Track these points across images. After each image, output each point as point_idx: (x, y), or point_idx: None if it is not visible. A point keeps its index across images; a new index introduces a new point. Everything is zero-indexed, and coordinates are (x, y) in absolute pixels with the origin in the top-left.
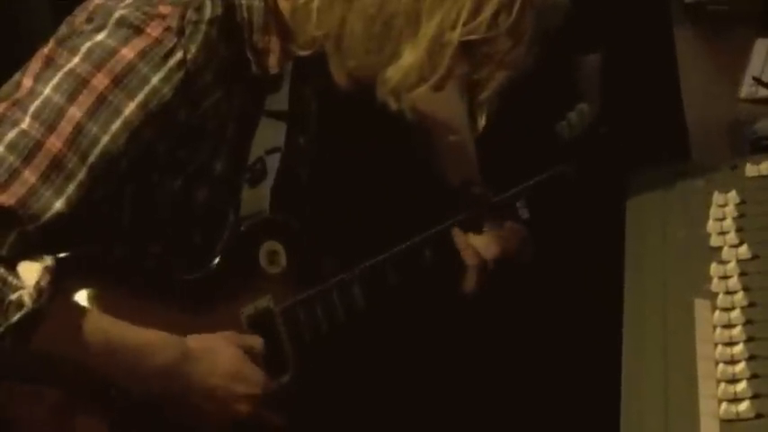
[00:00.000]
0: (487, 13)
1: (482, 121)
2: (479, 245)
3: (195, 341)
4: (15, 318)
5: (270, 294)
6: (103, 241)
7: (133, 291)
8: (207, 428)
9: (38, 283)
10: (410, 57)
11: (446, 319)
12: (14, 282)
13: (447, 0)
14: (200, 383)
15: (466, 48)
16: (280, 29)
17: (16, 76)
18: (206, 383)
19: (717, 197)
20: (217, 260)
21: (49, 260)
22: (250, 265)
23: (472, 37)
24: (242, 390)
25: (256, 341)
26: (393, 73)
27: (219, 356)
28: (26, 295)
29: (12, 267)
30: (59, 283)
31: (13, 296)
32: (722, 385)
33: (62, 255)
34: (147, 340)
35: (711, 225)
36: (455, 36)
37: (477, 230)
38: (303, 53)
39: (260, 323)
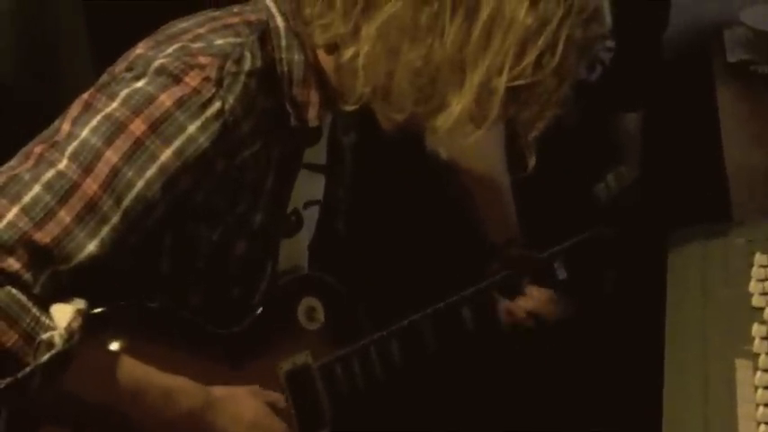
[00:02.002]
0: (532, 56)
1: (532, 162)
2: (518, 310)
3: (219, 391)
4: (45, 358)
5: (308, 350)
6: (143, 292)
7: (170, 343)
8: None
9: (69, 324)
10: (458, 105)
11: (484, 377)
12: (46, 321)
13: (491, 48)
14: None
15: (512, 91)
16: (320, 82)
17: (56, 122)
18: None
19: (759, 258)
20: (255, 315)
21: (81, 303)
22: (288, 320)
23: (519, 82)
24: None
25: (279, 398)
26: (443, 122)
27: (242, 407)
28: (57, 336)
29: (45, 307)
30: (97, 334)
31: (45, 336)
32: None
33: (99, 309)
34: (174, 385)
35: (753, 285)
36: (502, 82)
37: (516, 291)
38: (349, 108)
39: (298, 378)
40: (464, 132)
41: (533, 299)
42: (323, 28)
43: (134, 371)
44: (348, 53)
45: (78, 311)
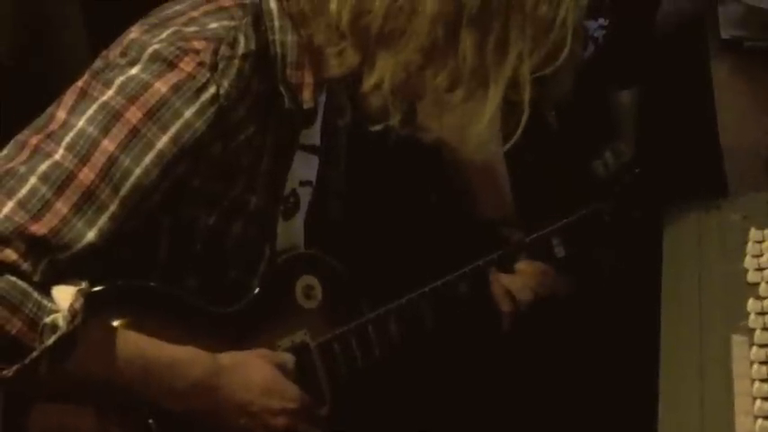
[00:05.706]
0: (549, 43)
1: (553, 119)
2: (514, 288)
3: (227, 357)
4: (50, 340)
5: (306, 329)
6: (141, 275)
7: (169, 323)
8: None
9: (72, 305)
10: (488, 108)
11: (480, 355)
12: (49, 305)
13: (510, 47)
14: (234, 398)
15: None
16: (314, 63)
17: (50, 109)
18: (239, 398)
19: (754, 233)
20: (253, 294)
21: (82, 283)
22: (286, 299)
23: (542, 72)
24: (276, 404)
25: (288, 358)
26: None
27: (252, 371)
28: (60, 318)
29: (45, 292)
30: (96, 313)
31: (48, 319)
32: (759, 421)
33: (98, 288)
34: (181, 355)
35: (748, 261)
36: (526, 74)
37: (511, 269)
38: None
39: (296, 357)
40: (496, 134)
41: (527, 274)
42: (337, 57)
43: (139, 344)
44: (368, 82)
45: (80, 291)
